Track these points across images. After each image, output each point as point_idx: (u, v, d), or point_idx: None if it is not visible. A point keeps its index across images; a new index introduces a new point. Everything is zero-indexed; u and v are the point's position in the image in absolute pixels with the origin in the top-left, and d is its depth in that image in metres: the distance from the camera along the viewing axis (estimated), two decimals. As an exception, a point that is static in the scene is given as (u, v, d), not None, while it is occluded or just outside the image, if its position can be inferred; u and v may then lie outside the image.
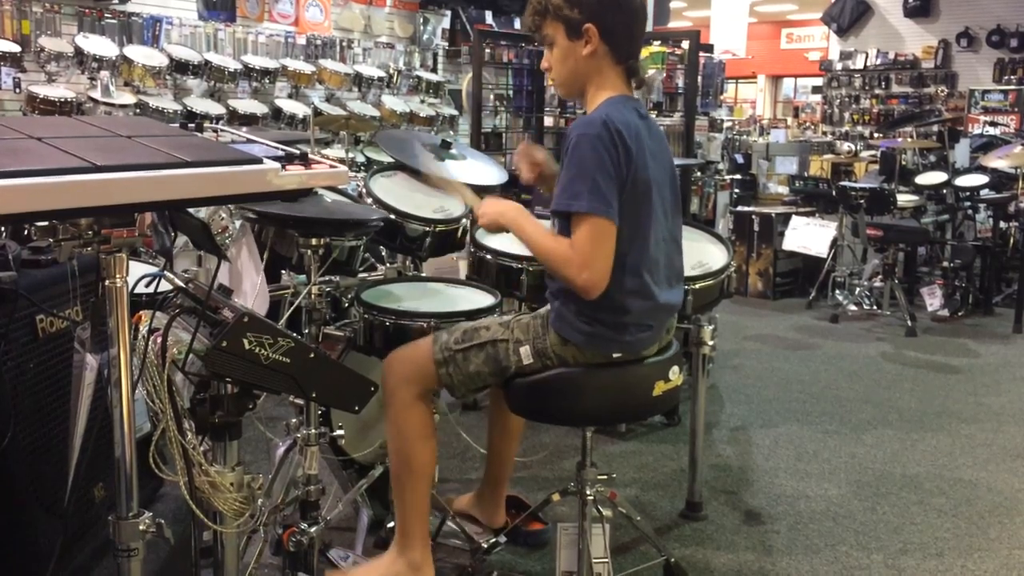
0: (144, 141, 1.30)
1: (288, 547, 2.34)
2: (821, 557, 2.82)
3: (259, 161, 1.33)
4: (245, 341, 1.54)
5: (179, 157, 1.24)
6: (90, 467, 1.77)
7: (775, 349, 5.49)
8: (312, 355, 1.67)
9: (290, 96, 7.24)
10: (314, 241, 2.40)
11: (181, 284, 1.73)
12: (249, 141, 1.53)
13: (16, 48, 5.66)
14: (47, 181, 1.08)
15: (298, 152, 1.45)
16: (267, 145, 1.49)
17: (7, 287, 1.65)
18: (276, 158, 1.40)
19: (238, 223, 2.57)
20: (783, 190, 7.48)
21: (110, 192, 1.14)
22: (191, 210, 1.70)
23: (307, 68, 7.21)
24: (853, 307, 6.35)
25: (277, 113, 6.84)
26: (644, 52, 5.19)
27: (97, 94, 5.83)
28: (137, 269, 1.72)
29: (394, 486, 2.44)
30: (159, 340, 1.57)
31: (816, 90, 16.11)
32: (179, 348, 1.59)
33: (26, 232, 2.42)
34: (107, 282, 1.35)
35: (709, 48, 6.07)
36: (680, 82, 5.11)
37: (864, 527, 3.04)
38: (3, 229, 2.03)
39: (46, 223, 1.26)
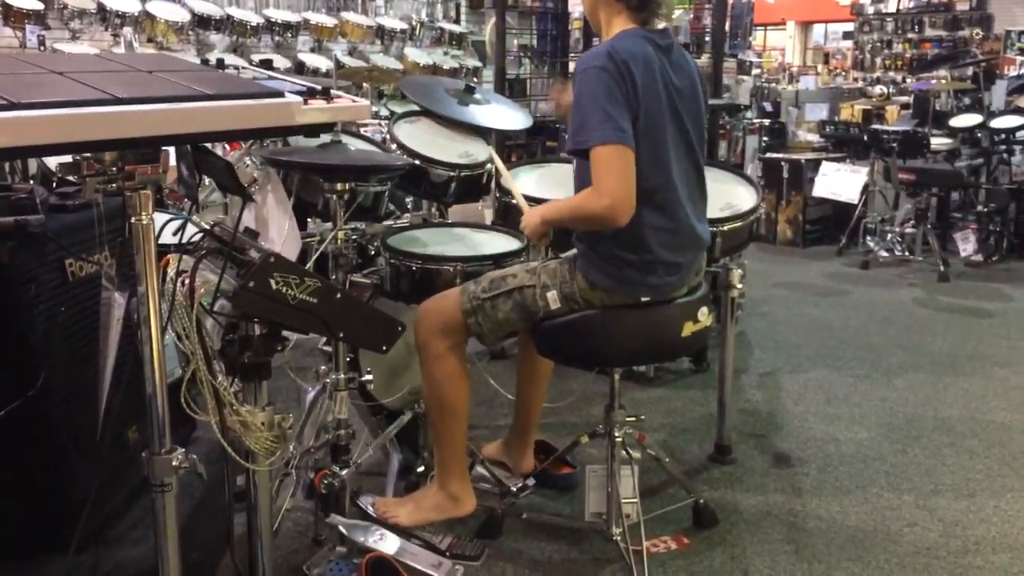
0: (165, 76, 1.29)
1: (320, 489, 2.37)
2: (851, 498, 2.81)
3: (281, 95, 1.32)
4: (272, 281, 1.55)
5: (201, 90, 1.23)
6: (123, 410, 1.79)
7: (805, 296, 5.44)
8: (339, 295, 1.67)
9: (313, 50, 7.21)
10: (339, 186, 2.39)
11: (207, 227, 1.73)
12: (271, 78, 1.52)
13: (40, 6, 5.67)
14: (68, 112, 1.08)
15: (319, 88, 1.44)
16: (289, 81, 1.48)
17: (36, 231, 1.66)
18: (298, 93, 1.39)
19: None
20: (813, 138, 7.36)
21: (131, 124, 1.13)
22: (215, 152, 1.69)
23: (329, 21, 7.17)
24: (884, 253, 6.27)
25: (300, 67, 6.82)
26: (671, -8, 5.08)
27: (120, 50, 5.82)
28: (163, 220, 1.72)
29: (431, 427, 2.50)
30: (187, 282, 1.58)
31: (847, 36, 15.74)
32: (207, 290, 1.60)
33: (54, 183, 2.44)
34: (133, 219, 1.35)
35: (737, -11, 5.94)
36: (707, 23, 5.01)
37: (895, 469, 3.03)
38: (31, 175, 2.04)
39: (70, 159, 1.25)
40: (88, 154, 1.26)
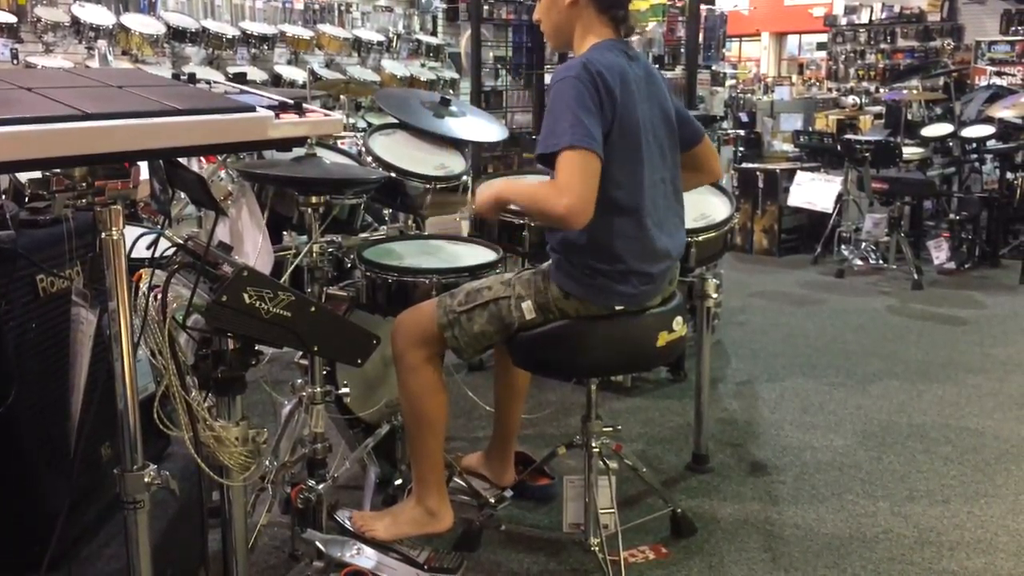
0: (136, 91, 1.29)
1: (296, 504, 2.36)
2: (827, 505, 2.83)
3: (252, 109, 1.32)
4: (245, 295, 1.54)
5: (171, 105, 1.23)
6: (95, 427, 1.78)
7: (781, 305, 5.48)
8: (313, 309, 1.66)
9: (289, 62, 7.20)
10: (314, 199, 2.39)
11: (180, 241, 1.73)
12: (243, 92, 1.52)
13: (12, 19, 5.64)
14: (36, 129, 1.07)
15: (292, 101, 1.44)
16: (261, 95, 1.48)
17: (6, 247, 1.65)
18: (270, 107, 1.39)
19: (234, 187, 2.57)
20: (788, 148, 7.43)
21: (101, 140, 1.13)
22: (188, 166, 1.69)
23: (306, 33, 7.16)
24: (859, 262, 6.33)
25: (277, 80, 6.81)
26: (645, 3, 5.13)
27: (95, 64, 5.79)
28: (136, 234, 1.71)
29: (408, 440, 2.48)
30: (159, 297, 1.57)
31: (821, 47, 15.92)
32: (180, 304, 1.59)
33: (26, 198, 2.41)
34: (103, 235, 1.34)
35: (711, 0, 5.98)
36: (681, 34, 5.05)
37: (870, 476, 3.05)
38: (3, 191, 2.02)
39: (39, 176, 1.25)
40: (58, 170, 1.25)
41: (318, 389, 2.44)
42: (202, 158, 3.55)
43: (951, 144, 6.59)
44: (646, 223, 2.18)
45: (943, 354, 4.44)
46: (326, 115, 1.42)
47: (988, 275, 6.25)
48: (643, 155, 2.16)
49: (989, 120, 6.55)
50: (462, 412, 3.46)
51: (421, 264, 2.62)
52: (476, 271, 2.55)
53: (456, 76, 8.28)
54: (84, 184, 1.28)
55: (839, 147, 6.50)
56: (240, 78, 6.20)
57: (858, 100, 10.80)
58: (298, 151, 2.46)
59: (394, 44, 7.92)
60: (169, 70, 6.17)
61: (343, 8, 7.69)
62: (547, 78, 5.57)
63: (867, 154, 6.11)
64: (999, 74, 10.82)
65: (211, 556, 1.96)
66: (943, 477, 3.05)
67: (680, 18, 5.08)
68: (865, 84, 12.91)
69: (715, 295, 3.00)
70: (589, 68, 2.06)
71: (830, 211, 6.42)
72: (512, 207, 2.37)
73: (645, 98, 2.18)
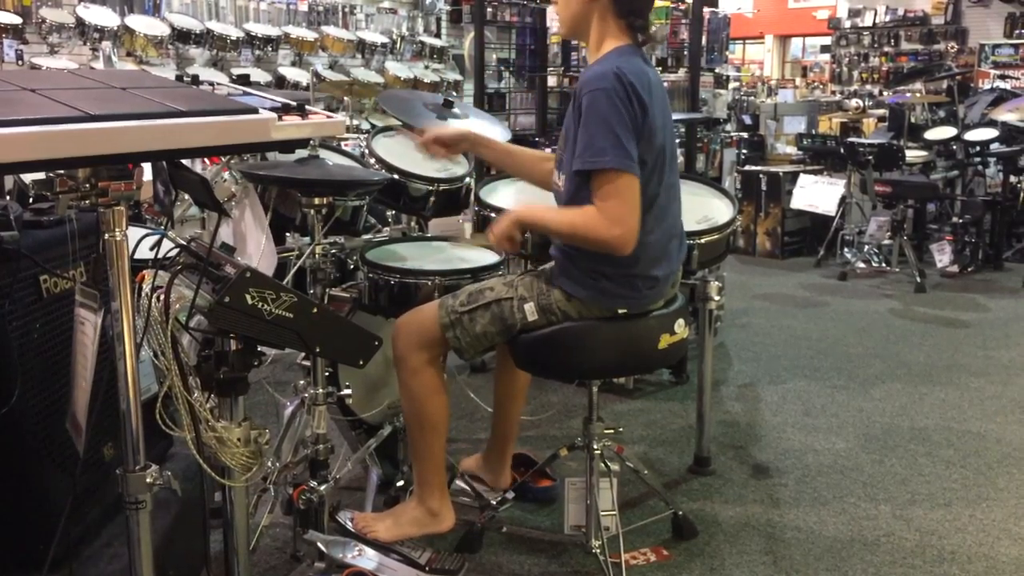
0: (139, 92, 1.29)
1: (298, 505, 2.36)
2: (829, 509, 2.83)
3: (255, 111, 1.33)
4: (248, 296, 1.55)
5: (174, 107, 1.23)
6: (99, 426, 1.78)
7: (783, 307, 5.48)
8: (315, 310, 1.67)
9: (293, 64, 7.20)
10: (317, 200, 2.39)
11: (183, 242, 1.73)
12: (246, 94, 1.52)
13: (18, 20, 5.64)
14: (40, 130, 1.08)
15: (295, 103, 1.44)
16: (264, 97, 1.49)
17: (9, 247, 1.65)
18: (273, 109, 1.39)
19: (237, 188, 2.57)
20: (791, 150, 7.43)
21: (104, 141, 1.14)
22: (190, 166, 1.69)
23: (310, 35, 7.16)
24: (862, 264, 6.33)
25: (281, 81, 6.81)
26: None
27: (99, 65, 5.81)
28: (139, 235, 1.72)
29: (410, 441, 2.49)
30: (162, 297, 1.57)
31: (825, 49, 15.91)
32: (183, 305, 1.59)
33: (30, 199, 2.42)
34: (107, 236, 1.35)
35: (714, 2, 5.99)
36: (685, 37, 5.06)
37: (872, 479, 3.05)
38: (7, 191, 2.03)
39: (43, 176, 1.25)
40: (61, 171, 1.26)
41: (320, 390, 2.44)
42: (205, 159, 3.56)
43: (954, 147, 6.59)
44: (656, 228, 2.19)
45: (945, 357, 4.43)
46: (328, 117, 1.42)
47: (991, 278, 6.25)
48: (661, 162, 2.16)
49: (993, 123, 6.55)
50: (464, 413, 3.46)
51: (424, 266, 2.62)
52: (479, 273, 2.55)
53: (459, 78, 8.28)
54: (88, 185, 1.28)
55: (842, 150, 6.49)
56: (243, 79, 6.20)
57: (861, 103, 10.77)
58: (301, 152, 2.47)
59: (398, 46, 7.92)
60: (173, 71, 6.17)
61: (347, 10, 7.69)
62: (550, 80, 5.59)
63: (870, 157, 6.11)
64: (1003, 77, 10.79)
65: (213, 557, 1.96)
66: (945, 480, 3.05)
67: (684, 20, 5.09)
68: (869, 87, 12.88)
69: (717, 297, 3.00)
70: (622, 79, 2.05)
71: (833, 214, 6.42)
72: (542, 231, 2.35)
73: (661, 105, 2.18)
